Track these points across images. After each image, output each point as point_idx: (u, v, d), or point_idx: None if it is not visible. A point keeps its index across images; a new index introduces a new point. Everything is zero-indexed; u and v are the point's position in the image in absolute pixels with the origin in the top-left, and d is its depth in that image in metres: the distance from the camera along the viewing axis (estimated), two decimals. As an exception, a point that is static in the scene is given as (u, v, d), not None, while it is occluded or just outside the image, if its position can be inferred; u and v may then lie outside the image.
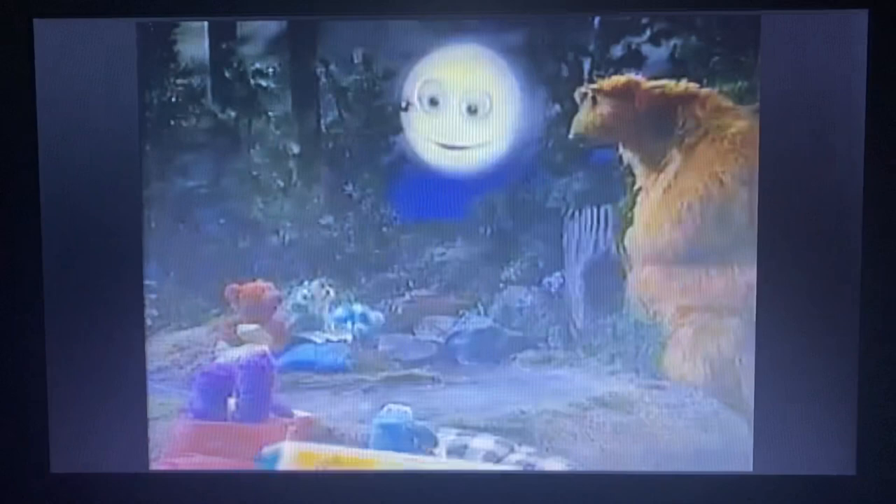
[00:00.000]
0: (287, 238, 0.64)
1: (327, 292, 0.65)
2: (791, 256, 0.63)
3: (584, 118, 0.63)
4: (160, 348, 0.65)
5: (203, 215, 0.64)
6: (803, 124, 0.62)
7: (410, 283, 0.65)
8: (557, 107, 0.63)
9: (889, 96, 0.61)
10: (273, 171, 0.64)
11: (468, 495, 0.65)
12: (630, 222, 0.64)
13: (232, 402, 0.65)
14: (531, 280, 0.64)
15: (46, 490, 0.65)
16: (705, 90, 0.62)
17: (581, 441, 0.65)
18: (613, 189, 0.63)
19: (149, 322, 0.65)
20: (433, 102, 0.63)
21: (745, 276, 0.63)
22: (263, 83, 0.63)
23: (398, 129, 0.63)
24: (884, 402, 0.63)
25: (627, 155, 0.63)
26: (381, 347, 0.65)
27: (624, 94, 0.62)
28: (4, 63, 0.62)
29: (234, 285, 0.64)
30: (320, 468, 0.65)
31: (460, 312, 0.65)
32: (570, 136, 0.63)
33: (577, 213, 0.64)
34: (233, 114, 0.63)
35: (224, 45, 0.63)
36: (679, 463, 0.65)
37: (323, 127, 0.63)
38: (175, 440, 0.65)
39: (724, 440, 0.65)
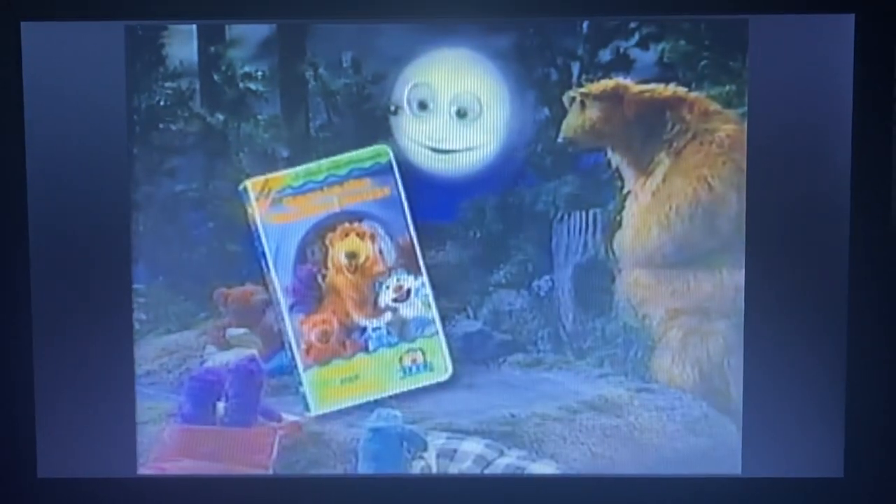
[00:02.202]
0: (276, 241, 0.65)
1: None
2: (779, 259, 0.63)
3: (573, 122, 0.63)
4: (148, 352, 0.65)
5: (191, 219, 0.64)
6: (791, 128, 0.62)
7: (400, 287, 0.66)
8: (546, 110, 0.63)
9: (876, 100, 0.62)
10: (262, 175, 0.64)
11: (457, 499, 0.65)
12: (619, 226, 0.64)
13: (221, 406, 0.65)
14: (520, 283, 0.64)
15: (33, 495, 0.65)
16: (693, 94, 0.62)
17: (571, 444, 0.65)
18: (602, 192, 0.64)
19: (137, 326, 0.64)
20: (422, 106, 0.63)
21: (733, 279, 0.64)
22: (252, 86, 0.63)
23: (387, 133, 0.63)
24: (871, 405, 0.64)
25: (616, 158, 0.63)
26: (370, 350, 0.66)
27: (612, 98, 0.63)
28: (-8, 66, 0.62)
29: (223, 289, 0.64)
30: (310, 473, 0.65)
31: (450, 316, 0.65)
32: (559, 139, 0.63)
33: (566, 217, 0.64)
34: (221, 117, 0.63)
35: (213, 49, 0.63)
36: (668, 465, 0.65)
37: (312, 130, 0.63)
38: (163, 444, 0.65)
39: (713, 443, 0.65)
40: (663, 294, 0.64)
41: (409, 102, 0.63)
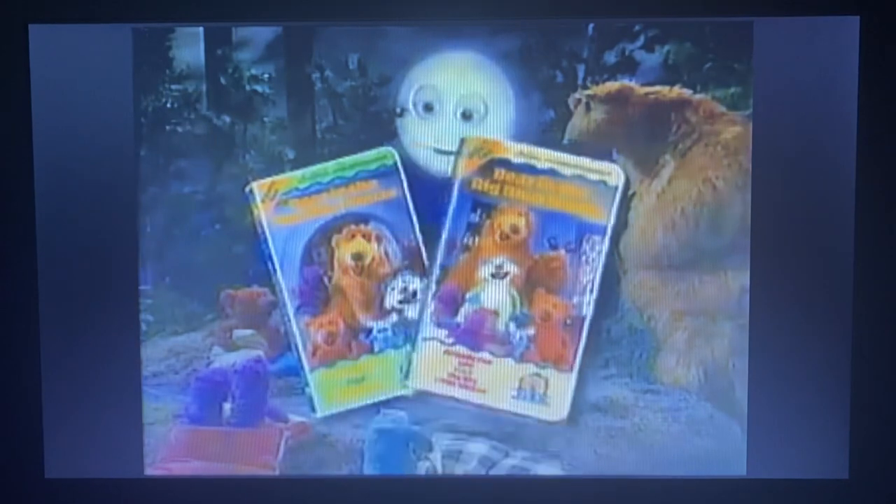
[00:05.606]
0: (282, 243, 0.65)
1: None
2: (784, 261, 0.63)
3: (579, 124, 0.63)
4: (155, 353, 0.65)
5: (198, 220, 0.64)
6: (796, 130, 0.62)
7: (405, 288, 0.66)
8: (552, 112, 0.63)
9: (880, 102, 0.62)
10: (268, 177, 0.64)
11: (463, 500, 0.65)
12: (624, 227, 0.64)
13: (227, 407, 0.65)
14: (526, 285, 0.65)
15: (41, 495, 0.65)
16: (698, 96, 0.63)
17: (575, 446, 0.65)
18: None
19: (144, 327, 0.65)
20: (428, 108, 0.63)
21: (738, 281, 0.64)
22: (259, 89, 0.63)
23: (393, 135, 0.64)
24: (876, 406, 0.64)
25: (621, 160, 0.64)
26: (376, 352, 0.67)
27: (618, 100, 0.63)
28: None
29: (229, 290, 0.64)
30: (316, 474, 0.65)
31: (456, 317, 0.65)
32: (565, 141, 0.63)
33: (571, 218, 0.64)
34: (228, 119, 0.64)
35: (219, 51, 0.63)
36: (673, 467, 0.65)
37: (318, 132, 0.64)
38: (170, 445, 0.65)
39: (718, 444, 0.65)
40: (668, 295, 0.64)
41: (414, 105, 0.63)
